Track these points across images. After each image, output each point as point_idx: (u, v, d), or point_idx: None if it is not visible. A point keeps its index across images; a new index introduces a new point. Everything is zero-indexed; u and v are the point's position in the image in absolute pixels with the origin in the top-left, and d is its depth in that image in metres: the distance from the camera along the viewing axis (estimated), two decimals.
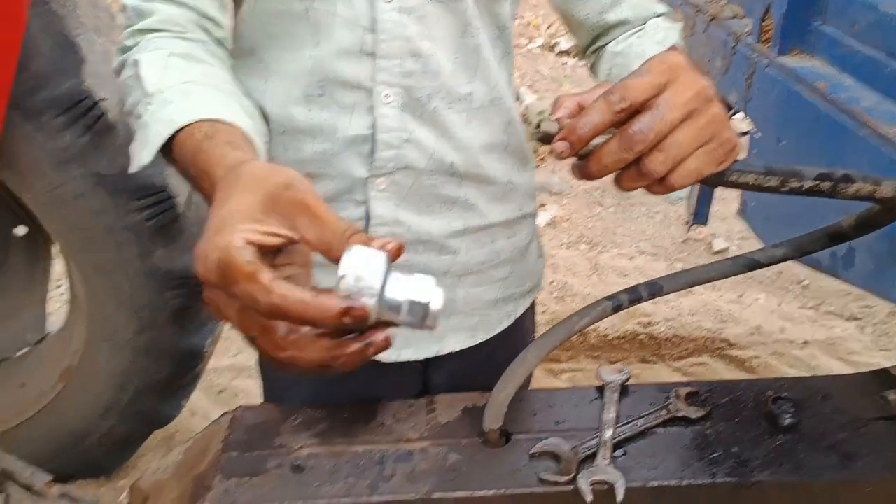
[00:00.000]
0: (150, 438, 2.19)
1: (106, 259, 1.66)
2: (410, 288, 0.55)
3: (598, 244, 3.71)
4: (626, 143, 0.61)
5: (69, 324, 1.85)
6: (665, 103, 0.61)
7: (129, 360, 1.80)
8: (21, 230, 1.86)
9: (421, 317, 0.55)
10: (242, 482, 0.79)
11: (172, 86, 0.71)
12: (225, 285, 0.53)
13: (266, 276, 0.52)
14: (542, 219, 3.81)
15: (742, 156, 0.66)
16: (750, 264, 0.71)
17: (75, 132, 1.54)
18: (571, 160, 0.64)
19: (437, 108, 0.86)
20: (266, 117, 0.87)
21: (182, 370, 1.88)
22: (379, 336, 0.55)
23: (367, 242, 0.54)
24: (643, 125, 0.60)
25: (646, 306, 3.04)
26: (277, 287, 0.52)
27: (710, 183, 0.66)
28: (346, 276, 0.53)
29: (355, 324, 0.52)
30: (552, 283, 3.25)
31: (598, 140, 0.62)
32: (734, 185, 0.65)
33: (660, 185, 0.64)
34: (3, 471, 0.90)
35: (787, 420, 0.77)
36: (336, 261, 0.54)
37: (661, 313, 2.99)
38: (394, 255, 0.55)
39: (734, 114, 1.35)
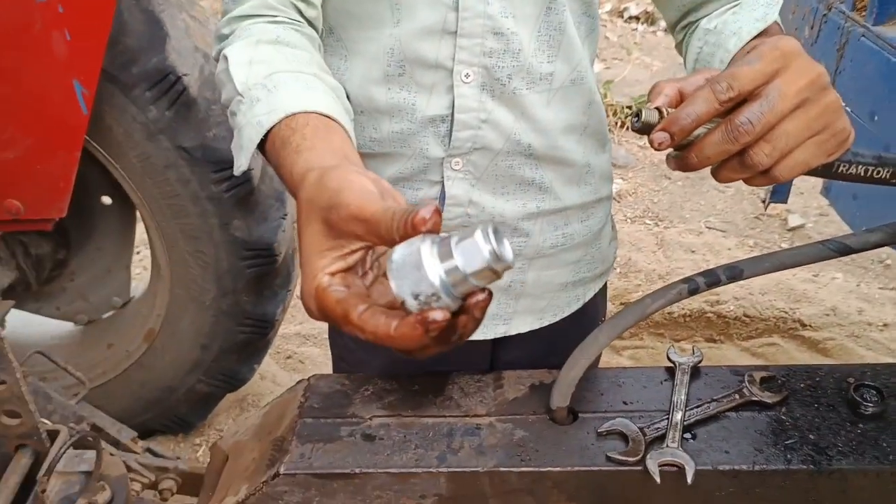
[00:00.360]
0: (224, 400, 2.30)
1: (190, 227, 1.74)
2: (453, 243, 0.52)
3: (665, 219, 3.62)
4: (732, 135, 0.58)
5: (152, 288, 1.95)
6: (776, 92, 0.57)
7: (210, 323, 1.89)
8: (107, 200, 1.97)
9: (482, 261, 0.51)
10: (317, 447, 0.83)
11: (258, 82, 0.73)
12: (333, 323, 0.58)
13: (355, 314, 0.54)
14: None
15: None
16: (841, 249, 0.68)
17: (162, 106, 1.61)
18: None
19: (517, 88, 0.85)
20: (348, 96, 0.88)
21: (257, 335, 1.97)
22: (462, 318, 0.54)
23: (408, 227, 0.52)
24: (751, 116, 0.57)
25: None
26: (365, 324, 0.54)
27: (816, 174, 0.63)
28: (406, 298, 0.52)
29: (441, 327, 0.52)
30: (615, 258, 3.19)
31: (699, 130, 0.59)
32: (841, 176, 0.62)
33: (762, 176, 0.61)
34: (93, 426, 0.96)
35: (871, 409, 0.75)
36: None
37: (730, 291, 2.90)
38: (432, 225, 0.52)
39: None
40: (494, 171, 0.88)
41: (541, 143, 0.88)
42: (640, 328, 2.81)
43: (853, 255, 2.72)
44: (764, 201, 1.75)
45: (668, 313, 2.81)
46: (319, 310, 0.57)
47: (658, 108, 0.60)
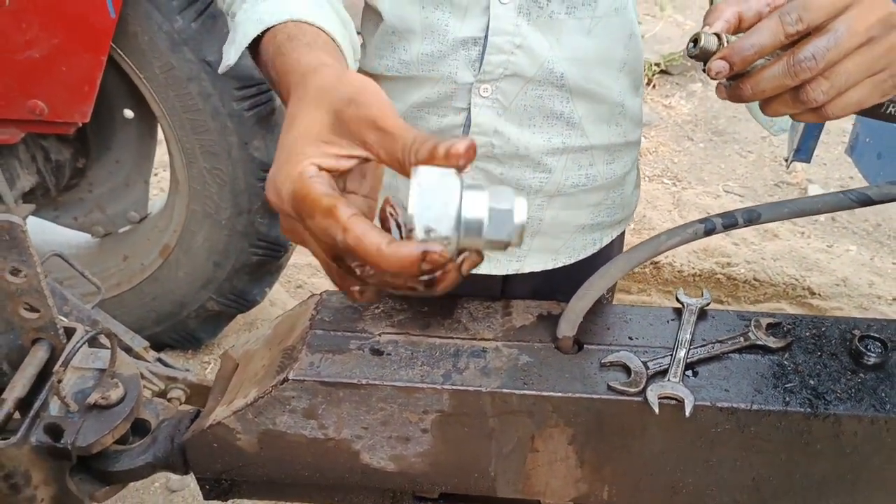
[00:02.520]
0: (234, 322, 2.35)
1: (210, 142, 1.74)
2: (489, 204, 0.48)
3: (683, 179, 3.58)
4: (793, 70, 0.56)
5: (169, 205, 1.97)
6: (844, 28, 0.55)
7: (224, 242, 1.91)
8: (129, 113, 1.97)
9: (505, 235, 0.49)
10: (326, 357, 0.85)
11: None
12: (300, 217, 0.51)
13: (344, 212, 0.48)
14: None
15: None
16: (862, 199, 0.68)
17: (188, 16, 1.59)
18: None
19: (555, 12, 0.82)
20: (380, 15, 0.87)
21: (269, 257, 1.99)
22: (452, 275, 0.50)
23: (436, 153, 0.48)
24: (816, 51, 0.55)
25: (727, 246, 2.94)
26: (354, 226, 0.48)
27: (865, 114, 0.62)
28: (417, 226, 0.47)
29: (435, 268, 0.48)
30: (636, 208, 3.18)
31: (759, 61, 0.57)
32: (887, 117, 0.61)
33: (813, 113, 0.59)
34: (108, 331, 0.99)
35: (873, 359, 0.76)
36: (408, 176, 0.49)
37: (741, 254, 2.90)
38: (465, 162, 0.48)
39: None
40: (523, 100, 0.86)
41: (575, 74, 0.86)
42: (648, 284, 2.82)
43: (870, 230, 2.68)
44: (786, 159, 1.72)
45: (679, 271, 2.82)
46: (294, 197, 0.50)
47: (717, 34, 0.58)
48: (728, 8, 0.60)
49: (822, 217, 3.28)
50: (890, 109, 0.61)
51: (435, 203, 0.47)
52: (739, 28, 0.59)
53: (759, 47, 0.57)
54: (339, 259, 0.52)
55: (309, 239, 0.53)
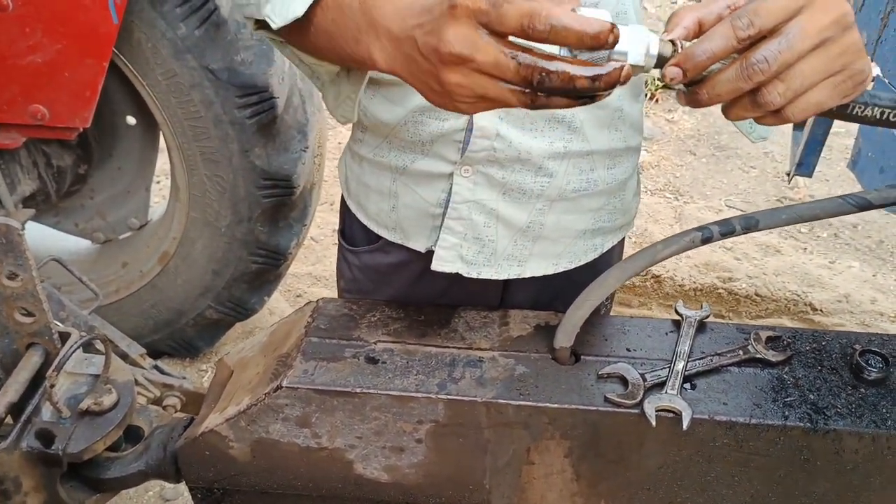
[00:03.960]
0: (232, 331, 2.34)
1: (210, 150, 1.74)
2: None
3: (685, 194, 3.58)
4: (746, 73, 0.56)
5: (169, 212, 1.97)
6: (797, 30, 0.55)
7: (224, 250, 1.91)
8: (131, 120, 1.97)
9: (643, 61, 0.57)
10: (321, 365, 0.84)
11: None
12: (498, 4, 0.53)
13: None
14: None
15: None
16: (861, 204, 0.67)
17: (192, 24, 1.59)
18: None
19: None
20: None
21: (268, 265, 1.99)
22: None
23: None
24: (768, 54, 0.55)
25: (728, 261, 2.93)
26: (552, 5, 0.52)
27: (831, 116, 0.62)
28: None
29: (609, 42, 0.53)
30: (631, 227, 3.17)
31: (714, 66, 0.58)
32: (857, 119, 0.61)
33: (774, 116, 0.60)
34: (104, 336, 0.98)
35: (874, 374, 0.75)
36: None
37: (743, 269, 2.89)
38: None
39: None
40: None
41: None
42: (649, 297, 2.81)
43: (872, 246, 2.66)
44: (788, 174, 1.71)
45: (680, 285, 2.81)
46: None
47: (672, 41, 0.58)
48: (688, 14, 0.60)
49: (824, 233, 3.27)
50: (856, 110, 0.61)
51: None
52: (700, 33, 0.59)
53: (711, 53, 0.57)
54: (517, 59, 0.54)
55: (487, 42, 0.55)
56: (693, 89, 0.60)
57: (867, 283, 2.91)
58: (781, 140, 4.01)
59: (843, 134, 3.95)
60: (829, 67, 0.57)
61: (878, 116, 0.60)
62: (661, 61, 0.59)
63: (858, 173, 1.20)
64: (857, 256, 3.08)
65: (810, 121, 1.62)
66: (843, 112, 0.61)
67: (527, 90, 0.57)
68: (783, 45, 0.56)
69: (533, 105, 0.57)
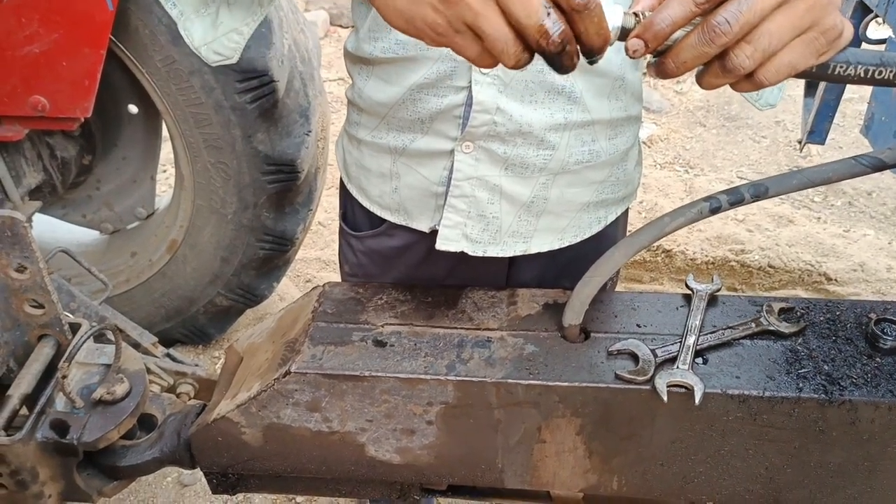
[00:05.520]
0: (243, 317, 2.35)
1: (213, 137, 1.73)
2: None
3: (696, 167, 3.54)
4: (708, 37, 0.55)
5: (175, 200, 1.97)
6: None
7: (231, 237, 1.91)
8: (133, 109, 1.96)
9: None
10: (329, 350, 0.84)
11: None
12: None
13: None
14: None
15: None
16: (875, 164, 0.65)
17: None
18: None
19: None
20: None
21: (276, 251, 1.98)
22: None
23: None
24: (728, 15, 0.54)
25: (740, 233, 2.90)
26: None
27: (810, 77, 0.59)
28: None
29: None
30: (641, 202, 3.14)
31: (677, 34, 0.56)
32: (839, 79, 0.59)
33: (747, 81, 0.58)
34: (115, 326, 0.98)
35: (890, 343, 0.73)
36: None
37: (756, 241, 2.85)
38: None
39: (871, 19, 1.21)
40: (524, 75, 0.85)
41: None
42: (660, 273, 2.79)
43: (888, 213, 2.61)
44: (800, 142, 1.68)
45: (691, 259, 2.78)
46: None
47: (636, 13, 0.57)
48: None
49: (838, 201, 3.22)
50: (838, 70, 0.58)
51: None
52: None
53: (671, 20, 0.55)
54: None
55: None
56: (660, 60, 0.58)
57: (882, 251, 2.87)
58: (793, 108, 3.95)
59: (857, 100, 3.88)
60: (796, 25, 0.56)
61: (861, 75, 0.58)
62: (624, 34, 0.57)
63: (872, 138, 1.17)
64: (872, 224, 3.04)
65: (821, 86, 1.58)
66: (824, 72, 0.59)
67: (525, 52, 0.55)
68: (744, 6, 0.54)
69: (517, 66, 0.57)
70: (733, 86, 0.59)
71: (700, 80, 0.60)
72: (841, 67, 0.59)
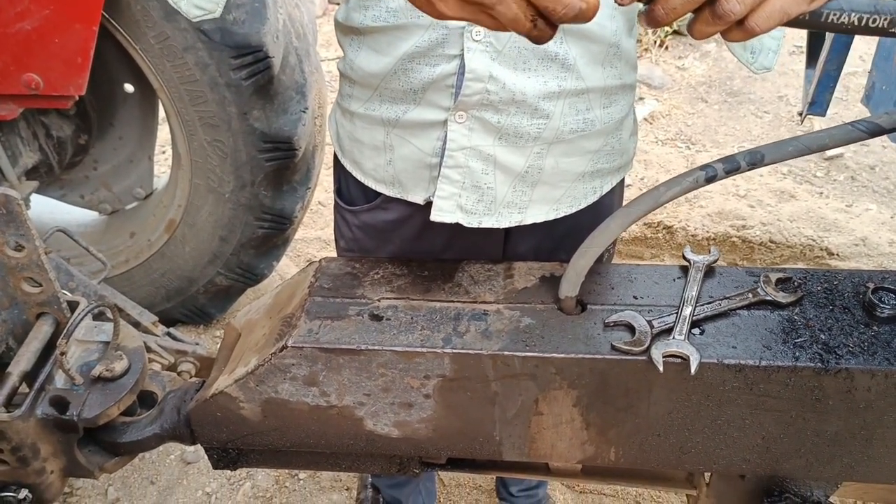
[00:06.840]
0: (244, 297, 2.35)
1: (208, 114, 1.72)
2: None
3: (697, 143, 3.51)
4: None
5: (173, 180, 1.96)
6: None
7: (229, 216, 1.90)
8: (129, 87, 1.95)
9: None
10: (325, 324, 0.84)
11: None
12: None
13: None
14: (639, 113, 3.62)
15: None
16: (872, 129, 0.64)
17: None
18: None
19: None
20: None
21: (275, 230, 1.98)
22: None
23: None
24: None
25: (742, 208, 2.89)
26: None
27: (803, 25, 0.58)
28: None
29: None
30: (642, 179, 3.13)
31: None
32: (832, 27, 0.57)
33: (739, 29, 0.57)
34: (112, 304, 0.98)
35: (887, 311, 0.73)
36: None
37: (757, 216, 2.84)
38: None
39: None
40: (517, 42, 0.83)
41: None
42: (661, 249, 2.78)
43: (891, 188, 2.59)
44: (801, 113, 1.66)
45: (692, 235, 2.77)
46: None
47: None
48: None
49: (840, 176, 3.20)
50: (831, 18, 0.57)
51: None
52: None
53: None
54: None
55: None
56: (650, 7, 0.58)
57: (885, 226, 2.86)
58: (796, 83, 3.91)
59: (861, 74, 3.84)
60: None
61: (855, 23, 0.56)
62: None
63: (873, 107, 1.16)
64: (875, 199, 3.03)
65: (822, 56, 1.56)
66: (816, 20, 0.57)
67: (536, 20, 0.54)
68: None
69: (530, 35, 0.55)
70: (724, 35, 0.58)
71: (691, 28, 0.59)
72: (834, 15, 0.57)
